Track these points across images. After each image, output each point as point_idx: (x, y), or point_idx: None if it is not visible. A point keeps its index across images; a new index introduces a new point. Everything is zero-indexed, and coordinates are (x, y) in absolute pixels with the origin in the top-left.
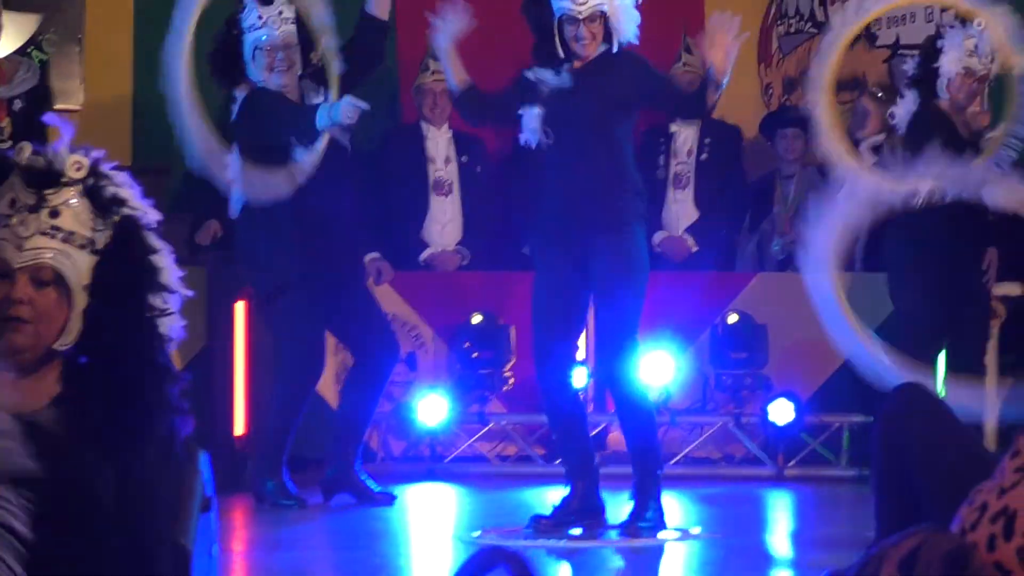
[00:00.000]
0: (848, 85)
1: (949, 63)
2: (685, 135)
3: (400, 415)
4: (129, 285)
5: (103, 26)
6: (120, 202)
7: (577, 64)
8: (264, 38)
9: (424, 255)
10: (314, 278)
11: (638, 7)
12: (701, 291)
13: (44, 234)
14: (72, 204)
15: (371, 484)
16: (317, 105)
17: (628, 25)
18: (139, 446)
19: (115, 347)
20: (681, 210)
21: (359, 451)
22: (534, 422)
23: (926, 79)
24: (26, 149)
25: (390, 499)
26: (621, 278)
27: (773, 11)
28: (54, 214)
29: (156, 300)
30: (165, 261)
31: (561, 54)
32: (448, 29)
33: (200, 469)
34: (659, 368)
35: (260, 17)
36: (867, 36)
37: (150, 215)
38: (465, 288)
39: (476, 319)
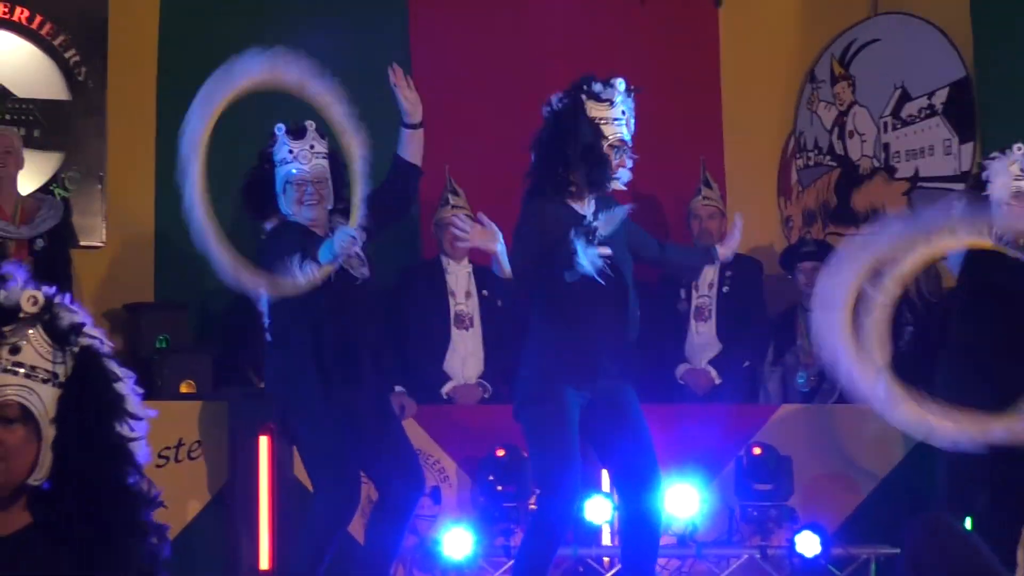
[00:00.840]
0: (867, 218)
1: (998, 190)
2: (707, 268)
3: (425, 549)
4: (95, 415)
5: (125, 163)
6: (77, 330)
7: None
8: (294, 172)
9: (446, 388)
10: (343, 411)
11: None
12: (725, 423)
13: (6, 371)
14: (31, 338)
15: None
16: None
17: None
18: (118, 570)
19: (86, 476)
20: (704, 342)
21: None
22: (560, 555)
23: None
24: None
25: None
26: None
27: (792, 145)
28: (14, 350)
29: (123, 428)
30: (127, 388)
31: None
32: (488, 237)
33: None
34: (684, 501)
35: (291, 151)
36: (887, 169)
37: (106, 343)
38: (488, 421)
39: (499, 452)
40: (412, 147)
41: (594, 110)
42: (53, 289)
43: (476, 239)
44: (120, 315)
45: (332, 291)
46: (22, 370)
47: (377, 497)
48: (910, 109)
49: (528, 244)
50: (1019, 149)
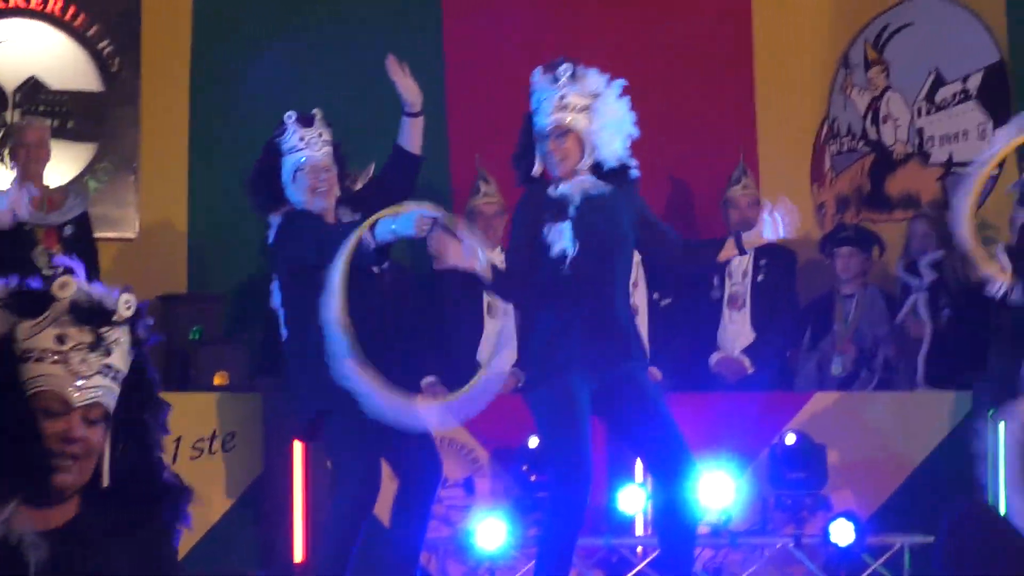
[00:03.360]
0: (901, 203)
1: None
2: (740, 256)
3: (458, 540)
4: (145, 417)
5: (159, 155)
6: (151, 338)
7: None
8: (304, 159)
9: (481, 381)
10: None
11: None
12: (758, 411)
13: (100, 373)
14: (121, 343)
15: None
16: (356, 223)
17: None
18: (158, 565)
19: (138, 474)
20: (737, 331)
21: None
22: (593, 544)
23: None
24: (70, 284)
25: None
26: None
27: (825, 130)
28: (108, 352)
29: (161, 431)
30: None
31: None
32: (466, 253)
33: None
34: (718, 490)
35: (302, 139)
36: (920, 154)
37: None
38: (521, 410)
39: (533, 442)
40: (413, 136)
41: (535, 99)
42: (140, 300)
43: (452, 258)
44: (153, 306)
45: (351, 282)
46: (110, 372)
47: (398, 484)
48: (944, 94)
49: (515, 239)
50: None
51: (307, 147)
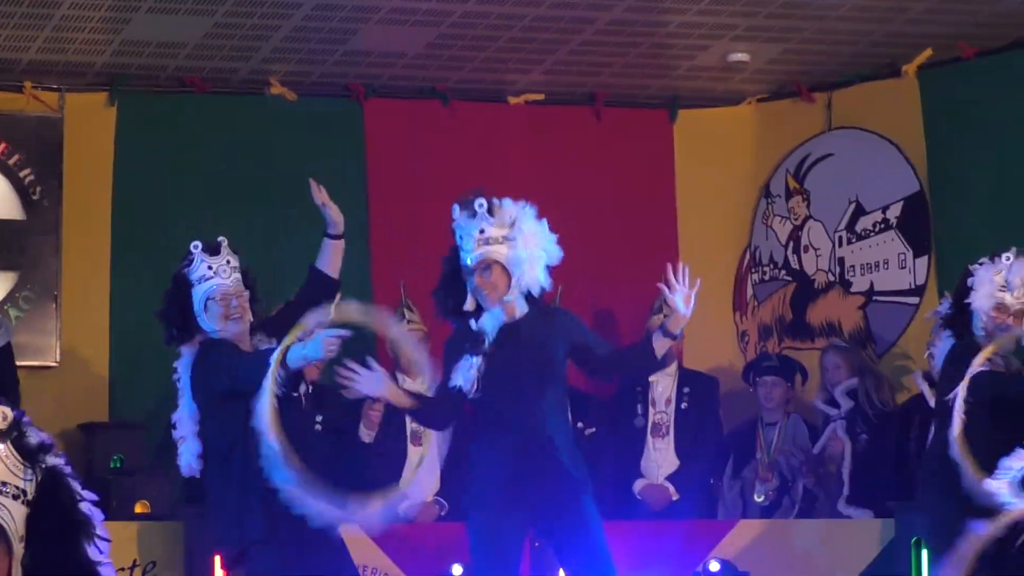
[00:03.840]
0: (823, 331)
1: (980, 299)
2: (663, 384)
3: None
4: (64, 535)
5: (80, 283)
6: (45, 449)
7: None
8: (215, 287)
9: (403, 507)
10: (283, 536)
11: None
12: (683, 539)
13: None
14: (1, 455)
15: None
16: (271, 349)
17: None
18: None
19: None
20: (661, 458)
21: None
22: None
23: (959, 317)
24: None
25: None
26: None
27: (747, 259)
28: None
29: (91, 549)
30: (92, 509)
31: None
32: (375, 383)
33: None
34: None
35: (210, 267)
36: (841, 283)
37: (69, 465)
38: (444, 540)
39: (456, 571)
40: (332, 258)
41: (457, 235)
42: (18, 411)
43: (362, 387)
44: (74, 435)
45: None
46: None
47: None
48: (865, 223)
49: (444, 369)
50: (1007, 259)
51: (216, 275)
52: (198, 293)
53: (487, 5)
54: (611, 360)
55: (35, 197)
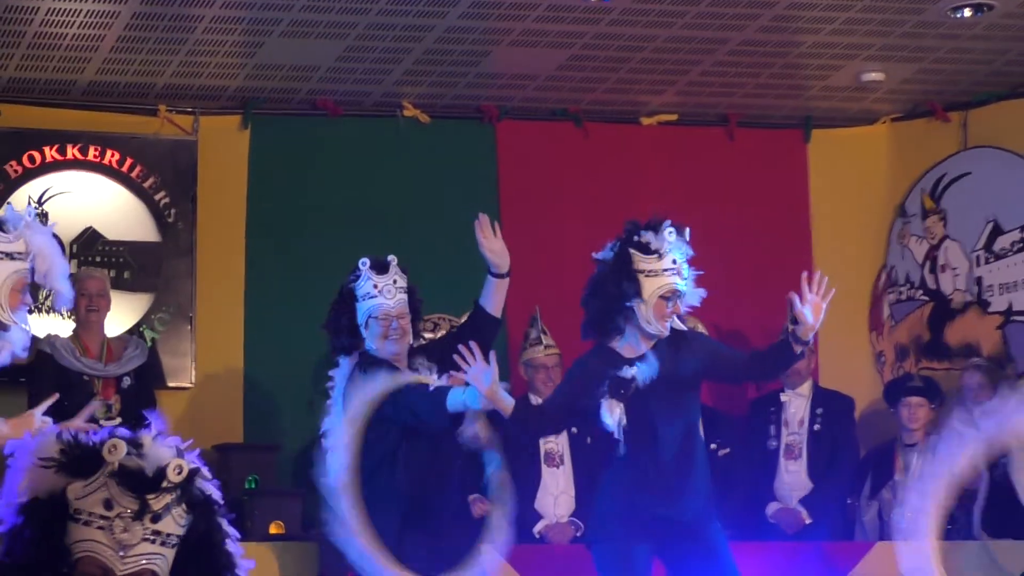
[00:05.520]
0: (960, 352)
1: None
2: (796, 405)
3: None
4: (207, 573)
5: (215, 304)
6: (212, 504)
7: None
8: (377, 307)
9: (538, 527)
10: (420, 562)
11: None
12: (819, 561)
13: (145, 540)
14: (171, 509)
15: None
16: (444, 389)
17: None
18: None
19: None
20: (794, 481)
21: None
22: None
23: None
24: (119, 448)
25: None
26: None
27: (884, 279)
28: (156, 518)
29: None
30: (235, 546)
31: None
32: (485, 376)
33: None
34: None
35: (375, 286)
36: (979, 303)
37: (220, 499)
38: (580, 561)
39: None
40: (496, 298)
41: (641, 262)
42: (195, 456)
43: (473, 375)
44: (209, 456)
45: (410, 437)
46: (159, 538)
47: None
48: (1003, 242)
49: (567, 383)
50: None
51: (380, 294)
52: (361, 309)
53: (618, 26)
54: (752, 362)
55: (170, 220)
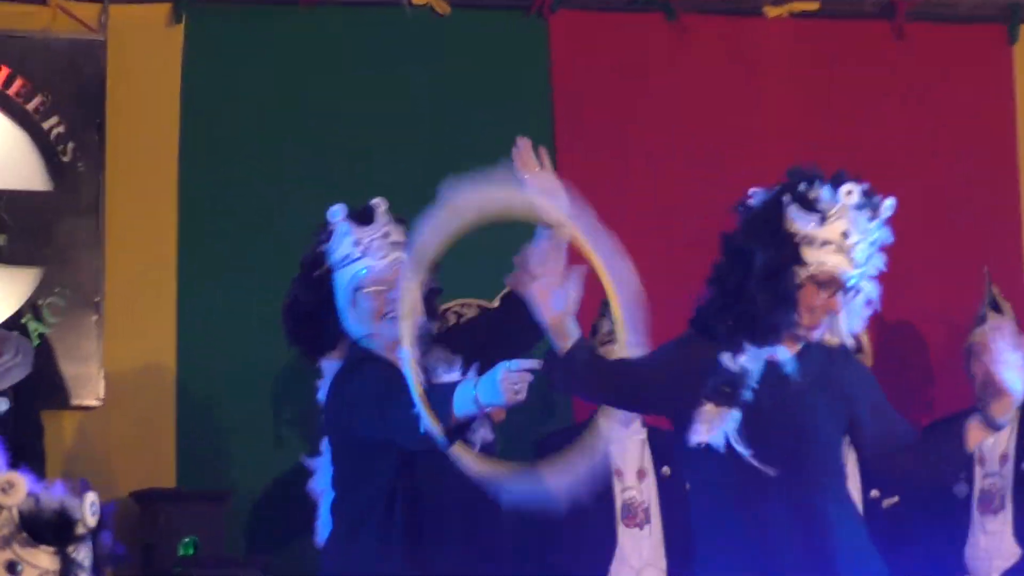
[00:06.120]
0: None
1: None
2: (997, 434)
3: None
4: None
5: (132, 284)
6: (114, 561)
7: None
8: (365, 272)
9: None
10: None
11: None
12: None
13: None
14: (83, 561)
15: None
16: (452, 386)
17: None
18: None
19: None
20: (994, 545)
21: None
22: None
23: None
24: (17, 486)
25: None
26: None
27: None
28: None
29: None
30: None
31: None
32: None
33: None
34: None
35: (357, 243)
36: None
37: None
38: None
39: None
40: None
41: (796, 223)
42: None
43: (539, 288)
44: (126, 508)
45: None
46: None
47: None
48: None
49: (655, 371)
50: None
51: (366, 253)
52: (341, 280)
53: None
54: (903, 451)
55: (66, 159)
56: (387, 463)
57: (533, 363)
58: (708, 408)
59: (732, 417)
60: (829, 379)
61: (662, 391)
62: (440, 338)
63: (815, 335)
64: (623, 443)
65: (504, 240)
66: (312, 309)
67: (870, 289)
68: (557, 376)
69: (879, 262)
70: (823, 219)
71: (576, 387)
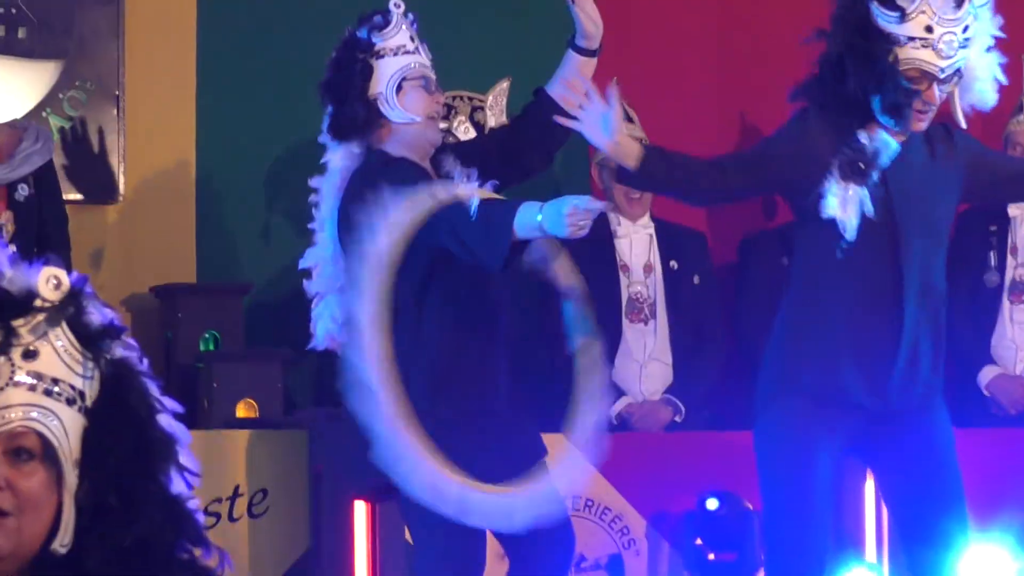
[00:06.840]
0: None
1: None
2: None
3: None
4: (131, 461)
5: (154, 77)
6: (112, 334)
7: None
8: (414, 67)
9: (618, 408)
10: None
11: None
12: None
13: (17, 384)
14: (52, 339)
15: None
16: (502, 204)
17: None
18: None
19: (127, 551)
20: (1021, 336)
21: None
22: None
23: None
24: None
25: None
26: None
27: None
28: (29, 354)
29: (174, 483)
30: (175, 424)
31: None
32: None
33: None
34: (991, 570)
35: (412, 38)
36: None
37: (143, 359)
38: (688, 458)
39: (711, 504)
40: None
41: (879, 20)
42: (76, 274)
43: (588, 123)
44: (145, 302)
45: (443, 272)
46: (41, 384)
47: (509, 568)
48: None
49: (769, 143)
50: None
51: (418, 51)
52: (387, 68)
53: None
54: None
55: None
56: (419, 268)
57: (600, 205)
58: (837, 183)
59: (863, 194)
60: (946, 157)
61: (778, 169)
62: (450, 147)
63: (921, 127)
64: (630, 238)
65: (493, 34)
66: (354, 88)
67: (983, 67)
68: (638, 186)
69: (984, 39)
70: (903, 16)
71: (661, 190)
